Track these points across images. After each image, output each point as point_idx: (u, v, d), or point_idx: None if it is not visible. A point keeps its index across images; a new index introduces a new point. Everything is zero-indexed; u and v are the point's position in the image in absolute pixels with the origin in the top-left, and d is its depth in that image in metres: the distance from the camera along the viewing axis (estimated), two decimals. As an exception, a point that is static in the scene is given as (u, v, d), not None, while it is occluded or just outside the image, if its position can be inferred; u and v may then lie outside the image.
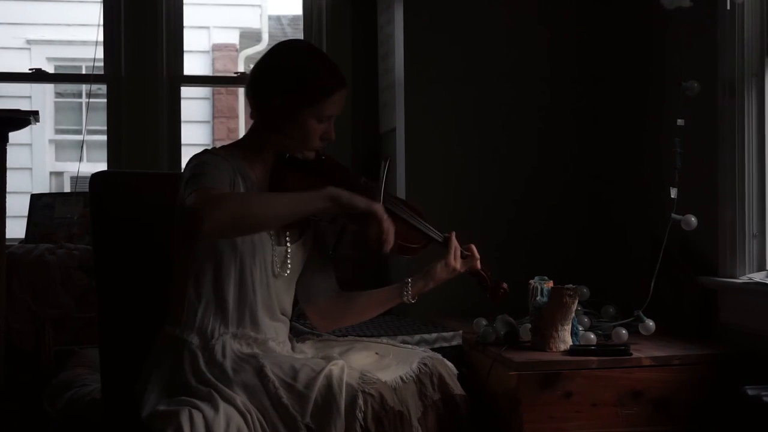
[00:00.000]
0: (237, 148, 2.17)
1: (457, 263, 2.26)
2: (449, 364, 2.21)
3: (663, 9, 2.71)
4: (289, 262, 2.15)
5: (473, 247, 2.33)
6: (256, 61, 2.23)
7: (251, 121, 2.21)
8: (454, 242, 2.26)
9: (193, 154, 2.17)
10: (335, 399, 1.95)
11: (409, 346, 2.31)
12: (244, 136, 2.20)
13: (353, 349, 2.22)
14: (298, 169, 2.13)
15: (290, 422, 1.94)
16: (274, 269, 2.14)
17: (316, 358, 2.16)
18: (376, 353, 2.20)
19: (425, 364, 2.15)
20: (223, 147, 2.19)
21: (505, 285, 2.33)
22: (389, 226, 2.02)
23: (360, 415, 1.96)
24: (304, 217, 2.04)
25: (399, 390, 2.07)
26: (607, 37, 3.42)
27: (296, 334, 2.44)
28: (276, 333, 2.17)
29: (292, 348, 2.24)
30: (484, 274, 2.34)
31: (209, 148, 2.15)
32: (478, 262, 2.31)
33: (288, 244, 2.16)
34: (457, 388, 2.16)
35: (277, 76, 2.09)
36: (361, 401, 1.97)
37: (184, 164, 2.14)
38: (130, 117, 3.91)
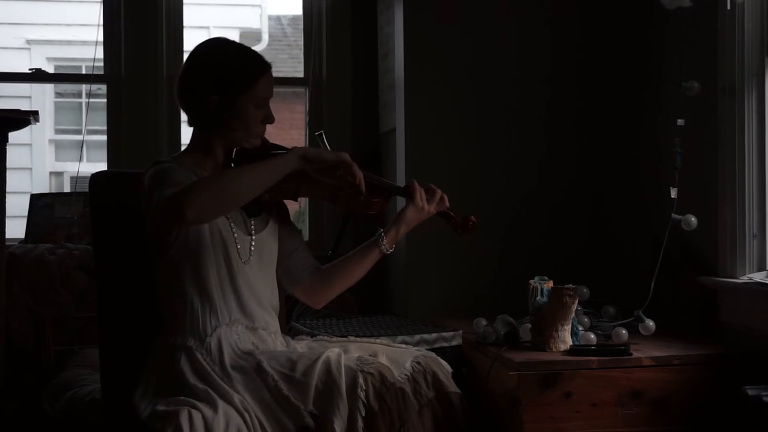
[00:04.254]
0: (185, 154, 2.22)
1: (425, 204, 2.26)
2: (443, 362, 2.22)
3: (663, 9, 2.71)
4: (252, 247, 2.19)
5: (433, 186, 2.32)
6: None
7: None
8: (417, 186, 2.27)
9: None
10: (335, 382, 1.98)
11: (404, 346, 2.31)
12: (188, 144, 2.25)
13: (347, 350, 2.23)
14: (250, 159, 2.18)
15: (294, 412, 1.96)
16: (243, 257, 2.17)
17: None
18: (370, 356, 2.21)
19: (418, 363, 2.15)
20: (171, 157, 2.24)
21: (473, 218, 2.31)
22: (358, 170, 2.09)
23: (362, 394, 1.98)
24: (278, 181, 2.06)
25: None
26: (608, 37, 3.42)
27: (294, 335, 2.45)
28: (266, 324, 2.19)
29: (286, 344, 2.25)
30: (450, 212, 2.33)
31: (157, 160, 2.20)
32: (446, 201, 2.30)
33: (253, 234, 2.20)
34: (451, 386, 2.16)
35: (208, 75, 2.15)
36: (361, 380, 2.00)
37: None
38: (130, 117, 3.91)
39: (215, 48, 2.23)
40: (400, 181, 3.46)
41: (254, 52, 2.22)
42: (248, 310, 2.16)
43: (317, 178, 2.13)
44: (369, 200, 2.22)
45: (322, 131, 2.38)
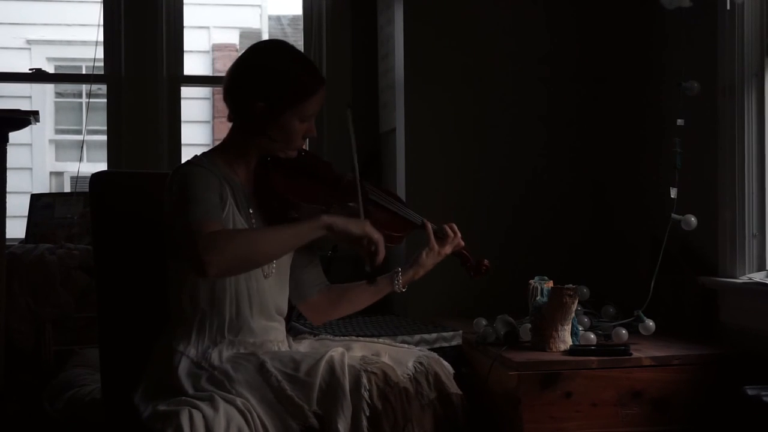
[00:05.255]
0: (219, 153, 2.17)
1: (441, 247, 2.28)
2: (445, 363, 2.22)
3: (663, 9, 2.71)
4: (275, 262, 2.16)
5: (455, 226, 2.34)
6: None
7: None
8: (430, 229, 2.30)
9: (193, 155, 2.19)
10: (339, 382, 1.97)
11: (406, 346, 2.31)
12: (224, 139, 2.19)
13: (350, 349, 2.23)
14: (284, 170, 2.15)
15: (298, 412, 1.96)
16: (264, 272, 2.15)
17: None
18: (372, 355, 2.21)
19: (421, 363, 2.15)
20: (204, 154, 2.17)
21: (486, 262, 2.35)
22: (380, 239, 2.07)
23: (366, 394, 1.97)
24: (302, 246, 2.09)
25: None
26: (608, 37, 3.42)
27: (295, 334, 2.45)
28: (274, 335, 2.19)
29: (289, 346, 2.24)
30: (466, 253, 2.36)
31: (192, 158, 2.15)
32: (461, 242, 2.32)
33: None
34: (453, 387, 2.16)
35: (260, 79, 2.09)
36: (365, 380, 1.99)
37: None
38: (130, 117, 3.91)
39: (276, 54, 2.15)
40: (400, 182, 3.46)
41: (313, 66, 2.16)
42: (257, 327, 2.14)
43: (345, 206, 2.14)
44: (393, 234, 2.22)
45: (350, 107, 2.27)
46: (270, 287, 2.17)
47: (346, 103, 2.26)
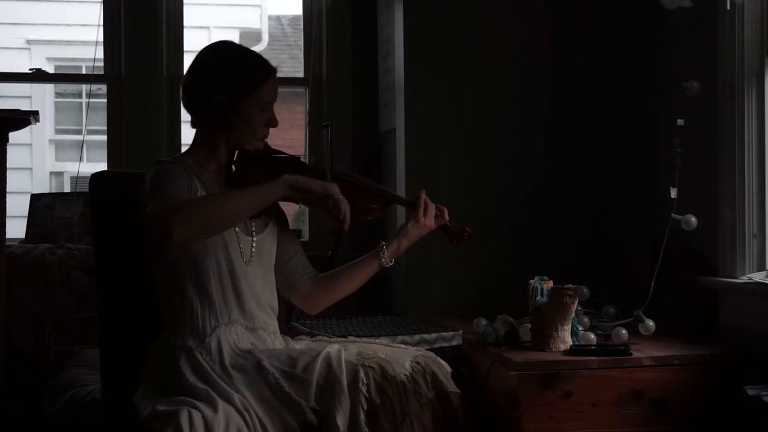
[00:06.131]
0: (187, 155, 2.24)
1: (427, 219, 2.31)
2: (442, 362, 2.22)
3: (663, 9, 2.71)
4: (254, 248, 2.20)
5: (443, 209, 2.36)
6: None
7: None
8: (423, 200, 2.31)
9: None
10: (337, 377, 1.99)
11: (403, 346, 2.32)
12: (191, 144, 2.26)
13: (347, 350, 2.23)
14: (253, 162, 2.22)
15: (296, 409, 1.97)
16: (244, 257, 2.18)
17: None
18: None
19: (418, 363, 2.16)
20: (174, 157, 2.25)
21: (468, 229, 2.35)
22: (345, 204, 2.13)
23: (363, 388, 1.99)
24: (266, 207, 2.14)
25: None
26: (608, 37, 3.42)
27: (293, 335, 2.45)
28: (265, 324, 2.20)
29: (286, 344, 2.25)
30: (448, 224, 2.36)
31: (163, 159, 2.23)
32: (446, 215, 2.34)
33: (254, 234, 2.21)
34: (451, 386, 2.17)
35: (214, 77, 2.17)
36: (362, 374, 2.00)
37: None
38: (130, 117, 3.91)
39: (222, 51, 2.25)
40: (400, 182, 3.47)
41: (260, 56, 2.24)
42: (248, 310, 2.16)
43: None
44: (367, 205, 2.26)
45: (329, 123, 2.38)
46: (253, 273, 2.19)
47: (324, 125, 2.37)
